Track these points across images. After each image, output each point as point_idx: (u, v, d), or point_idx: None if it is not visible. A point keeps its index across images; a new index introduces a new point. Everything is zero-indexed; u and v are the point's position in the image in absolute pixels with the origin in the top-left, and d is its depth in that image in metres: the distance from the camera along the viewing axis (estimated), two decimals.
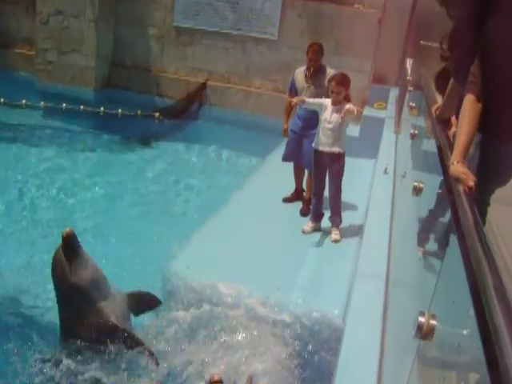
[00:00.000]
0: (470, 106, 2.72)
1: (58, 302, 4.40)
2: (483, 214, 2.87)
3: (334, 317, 4.77)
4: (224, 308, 4.94)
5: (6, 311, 5.09)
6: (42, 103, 11.39)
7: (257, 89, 11.98)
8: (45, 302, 5.10)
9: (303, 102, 6.19)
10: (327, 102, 6.15)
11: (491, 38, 2.74)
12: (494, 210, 3.20)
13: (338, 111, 6.03)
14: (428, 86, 5.28)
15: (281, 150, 7.26)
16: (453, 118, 3.53)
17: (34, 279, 5.45)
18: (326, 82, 6.62)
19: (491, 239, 3.61)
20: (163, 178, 8.72)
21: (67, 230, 4.17)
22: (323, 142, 6.14)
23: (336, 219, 6.37)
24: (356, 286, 4.59)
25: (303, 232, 6.44)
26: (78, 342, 4.29)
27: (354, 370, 3.53)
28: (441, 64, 4.43)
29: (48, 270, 5.30)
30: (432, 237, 3.19)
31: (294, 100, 6.24)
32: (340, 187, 6.32)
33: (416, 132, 5.51)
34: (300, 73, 6.90)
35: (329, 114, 6.08)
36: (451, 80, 3.35)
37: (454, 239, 1.99)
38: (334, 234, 6.32)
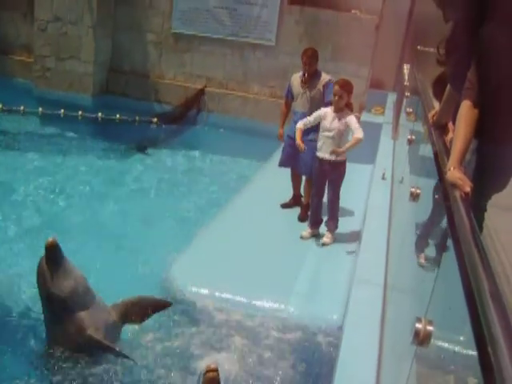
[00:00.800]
0: (466, 111, 2.73)
1: (43, 309, 4.42)
2: (480, 220, 2.88)
3: (333, 322, 4.77)
4: (222, 313, 4.93)
5: None
6: (40, 109, 11.37)
7: (255, 95, 12.00)
8: (31, 308, 5.07)
9: (305, 124, 6.27)
10: (326, 110, 6.15)
11: (487, 44, 2.75)
12: (491, 216, 3.21)
13: (339, 119, 6.03)
14: (425, 91, 5.30)
15: (279, 155, 7.27)
16: (450, 124, 3.54)
17: (24, 283, 5.43)
18: (321, 87, 6.66)
19: (489, 245, 3.62)
20: (161, 183, 8.72)
21: (50, 239, 4.17)
22: (324, 149, 6.14)
23: (331, 223, 6.38)
24: (354, 292, 4.60)
25: (301, 238, 6.45)
26: (62, 350, 4.28)
27: (352, 376, 3.53)
28: (438, 70, 4.44)
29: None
30: (429, 243, 3.20)
31: (300, 145, 6.27)
32: (338, 194, 6.34)
33: (413, 138, 5.52)
34: (296, 78, 6.92)
35: (329, 122, 6.08)
36: (448, 86, 3.36)
37: (450, 245, 1.99)
38: (326, 237, 6.34)
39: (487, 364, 1.22)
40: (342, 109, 6.05)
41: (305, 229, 6.54)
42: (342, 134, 6.07)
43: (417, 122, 5.66)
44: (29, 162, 8.93)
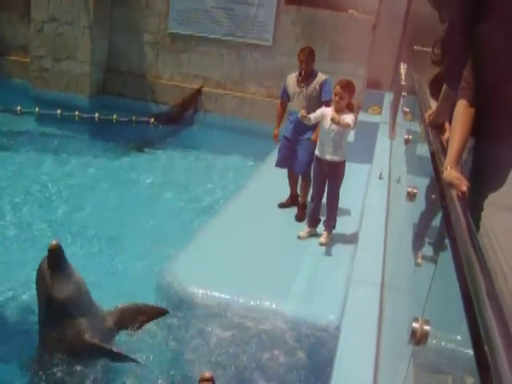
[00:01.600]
0: (462, 111, 2.73)
1: (39, 312, 4.38)
2: (477, 219, 2.88)
3: (330, 322, 4.77)
4: (219, 314, 4.93)
5: None
6: (37, 110, 11.37)
7: (252, 95, 12.00)
8: (26, 309, 5.05)
9: (309, 119, 6.12)
10: (328, 110, 6.14)
11: (483, 43, 2.75)
12: (488, 215, 3.21)
13: (336, 122, 6.02)
14: (422, 91, 5.29)
15: (276, 155, 7.26)
16: (446, 124, 3.54)
17: (21, 284, 5.41)
18: (318, 86, 6.65)
19: (486, 244, 3.62)
20: (158, 183, 8.71)
21: (54, 242, 4.14)
22: (324, 149, 6.13)
23: (329, 223, 6.38)
24: (351, 292, 4.59)
25: (299, 237, 6.45)
26: (54, 353, 4.25)
27: (350, 375, 3.53)
28: (435, 69, 4.44)
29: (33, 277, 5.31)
30: (426, 242, 3.20)
31: (303, 115, 6.09)
32: (337, 194, 6.34)
33: (410, 137, 5.52)
34: (292, 78, 6.89)
35: (329, 123, 6.07)
36: (444, 85, 3.36)
37: (447, 244, 1.99)
38: (323, 237, 6.34)
39: (484, 363, 1.22)
40: (343, 109, 6.04)
41: (302, 228, 6.54)
42: (342, 135, 6.06)
43: (414, 122, 5.66)
44: (25, 162, 8.92)
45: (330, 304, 5.01)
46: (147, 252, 6.31)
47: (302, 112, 6.10)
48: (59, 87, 12.34)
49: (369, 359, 3.59)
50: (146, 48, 12.50)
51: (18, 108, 11.25)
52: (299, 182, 7.16)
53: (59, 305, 4.14)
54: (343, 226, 6.64)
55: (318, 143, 6.25)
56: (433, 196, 3.05)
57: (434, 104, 4.01)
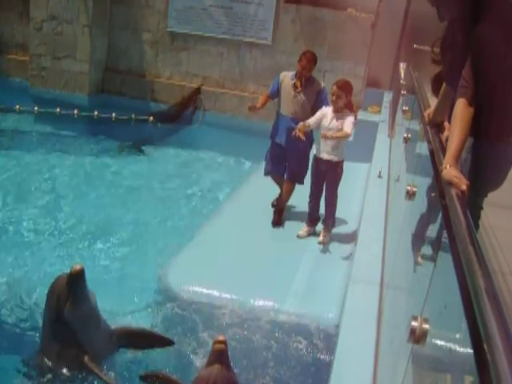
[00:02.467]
0: (461, 109, 2.73)
1: (44, 324, 4.30)
2: (476, 218, 2.88)
3: (329, 321, 4.77)
4: (219, 314, 4.93)
5: None
6: (36, 108, 11.37)
7: (251, 94, 11.99)
8: (27, 316, 5.03)
9: (308, 126, 6.03)
10: (326, 110, 6.13)
11: (482, 43, 2.76)
12: (488, 214, 3.21)
13: (337, 119, 6.02)
14: (421, 89, 5.30)
15: None
16: (445, 122, 3.54)
17: (20, 286, 5.39)
18: (315, 94, 6.46)
19: (486, 242, 3.63)
20: (157, 182, 8.70)
21: (78, 266, 4.01)
22: (321, 149, 6.13)
23: (328, 222, 6.39)
24: (350, 291, 4.59)
25: (298, 236, 6.45)
26: (52, 366, 4.20)
27: (349, 374, 3.53)
28: (434, 68, 4.44)
29: (35, 281, 5.27)
30: (425, 241, 3.20)
31: (300, 134, 5.90)
32: (335, 194, 6.33)
33: (409, 136, 5.52)
34: (287, 79, 6.58)
35: (327, 122, 6.07)
36: (443, 84, 3.37)
37: (446, 243, 1.99)
38: (322, 236, 6.34)
39: (483, 361, 1.22)
40: (341, 109, 6.03)
41: (301, 227, 6.54)
42: None
43: (413, 121, 5.66)
44: (24, 160, 8.91)
45: (329, 303, 5.02)
46: (146, 251, 6.30)
47: (300, 127, 5.94)
48: (58, 86, 12.33)
49: (368, 358, 3.60)
50: (145, 47, 12.49)
51: (17, 107, 11.24)
52: (282, 187, 6.93)
53: (69, 326, 4.07)
54: (342, 224, 6.64)
55: (316, 142, 6.25)
56: (432, 195, 3.05)
57: (435, 100, 4.00)
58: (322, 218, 6.53)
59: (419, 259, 3.02)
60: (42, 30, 12.12)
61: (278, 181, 7.01)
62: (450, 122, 3.00)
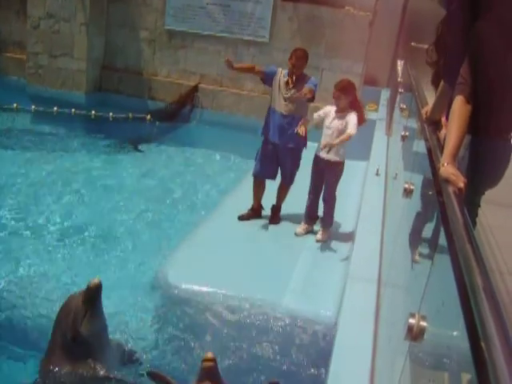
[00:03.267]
0: (459, 107, 2.73)
1: (53, 349, 4.09)
2: (473, 216, 2.88)
3: (327, 318, 4.77)
4: (216, 310, 4.93)
5: None
6: (33, 107, 11.36)
7: (248, 91, 11.99)
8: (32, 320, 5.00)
9: (308, 122, 6.07)
10: (330, 109, 6.13)
11: (480, 40, 2.76)
12: (485, 212, 3.21)
13: (339, 119, 6.02)
14: (418, 87, 5.30)
15: None
16: (443, 120, 3.54)
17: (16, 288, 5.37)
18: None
19: (483, 241, 3.63)
20: (154, 181, 8.69)
21: (96, 280, 3.87)
22: (322, 147, 6.13)
23: (326, 221, 6.39)
24: (348, 288, 4.60)
25: (296, 234, 6.45)
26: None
27: (347, 371, 3.53)
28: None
29: (27, 283, 5.20)
30: (423, 238, 3.20)
31: (301, 130, 5.95)
32: (334, 193, 6.33)
33: (407, 134, 5.53)
34: (281, 74, 6.47)
35: (329, 121, 6.08)
36: (441, 81, 3.36)
37: (443, 240, 1.99)
38: (319, 234, 6.35)
39: (480, 359, 1.22)
40: (344, 109, 6.02)
41: (299, 225, 6.54)
42: (341, 133, 6.03)
43: (410, 118, 5.66)
44: (21, 159, 8.90)
45: (327, 300, 5.02)
46: (143, 249, 6.29)
47: (301, 129, 5.97)
48: (55, 84, 12.32)
49: (366, 355, 3.60)
50: (142, 45, 12.48)
51: (14, 105, 11.23)
52: (278, 187, 6.85)
53: (83, 342, 3.95)
54: (340, 222, 6.65)
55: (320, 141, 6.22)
56: (429, 192, 3.05)
57: (432, 94, 3.99)
58: (320, 216, 6.53)
59: (417, 257, 3.03)
60: (40, 28, 12.12)
61: (259, 186, 6.84)
62: (447, 119, 3.00)
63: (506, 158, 2.98)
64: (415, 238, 3.35)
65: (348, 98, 6.03)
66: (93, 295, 3.89)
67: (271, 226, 6.71)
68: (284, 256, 5.98)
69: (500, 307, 1.41)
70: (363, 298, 4.39)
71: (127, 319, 4.84)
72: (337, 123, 6.03)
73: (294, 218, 6.79)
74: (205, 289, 5.17)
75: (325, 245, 6.24)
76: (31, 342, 4.61)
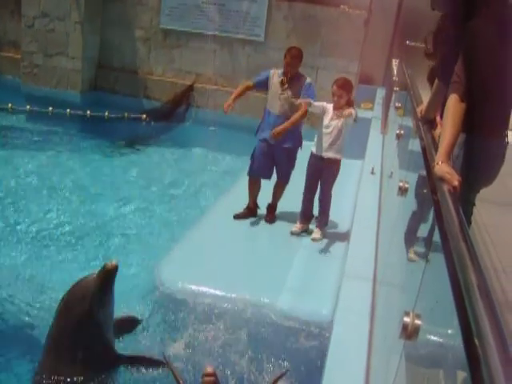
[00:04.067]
0: (453, 105, 2.74)
1: (62, 334, 4.05)
2: (468, 214, 2.89)
3: (322, 317, 4.78)
4: (212, 309, 4.93)
5: None
6: (28, 107, 11.33)
7: None
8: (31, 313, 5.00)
9: (309, 104, 6.06)
10: (329, 106, 6.13)
11: (475, 39, 2.76)
12: (480, 210, 3.22)
13: (337, 116, 6.03)
14: (413, 86, 5.31)
15: None
16: (438, 119, 3.55)
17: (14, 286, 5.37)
18: (300, 91, 6.32)
19: (478, 239, 3.64)
20: (150, 180, 8.68)
21: (114, 262, 3.89)
22: (319, 145, 6.13)
23: (321, 219, 6.39)
24: (344, 287, 4.60)
25: (291, 233, 6.45)
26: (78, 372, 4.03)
27: (342, 370, 3.54)
28: (428, 65, 4.45)
29: (27, 279, 5.16)
30: (418, 237, 3.20)
31: (302, 101, 6.06)
32: (330, 192, 6.32)
33: (402, 132, 5.54)
34: (275, 75, 6.48)
35: (328, 120, 6.08)
36: (436, 80, 3.37)
37: (438, 239, 2.00)
38: (315, 233, 6.34)
39: (474, 356, 1.22)
40: (342, 107, 6.03)
41: (294, 224, 6.54)
42: (340, 132, 6.04)
43: (405, 117, 5.67)
44: (16, 159, 8.87)
45: (322, 299, 5.02)
46: (139, 249, 6.29)
47: (302, 103, 6.07)
48: (50, 83, 12.29)
49: (361, 353, 3.60)
50: (138, 44, 12.46)
51: (9, 105, 11.20)
52: (274, 186, 6.85)
53: (97, 325, 3.99)
54: (335, 221, 6.65)
55: (315, 140, 6.22)
56: (424, 191, 3.06)
57: (427, 92, 4.00)
58: (315, 215, 6.53)
59: (412, 255, 3.03)
60: (34, 27, 12.08)
61: (254, 185, 6.83)
62: (442, 118, 3.01)
63: (501, 156, 2.99)
64: (410, 237, 3.36)
65: (348, 95, 6.05)
66: (110, 276, 3.90)
67: (267, 225, 6.71)
68: (279, 255, 5.99)
69: (494, 305, 1.41)
70: (359, 297, 4.40)
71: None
72: (336, 121, 6.03)
73: (289, 217, 6.79)
74: (201, 288, 5.17)
75: (320, 244, 6.24)
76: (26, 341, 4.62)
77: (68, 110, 11.17)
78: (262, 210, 6.89)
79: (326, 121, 6.10)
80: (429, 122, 3.53)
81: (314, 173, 6.32)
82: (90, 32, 12.18)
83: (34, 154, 9.16)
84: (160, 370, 4.21)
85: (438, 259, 1.90)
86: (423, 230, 3.06)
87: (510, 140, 2.97)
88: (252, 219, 6.79)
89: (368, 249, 5.25)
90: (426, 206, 3.03)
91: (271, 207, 6.86)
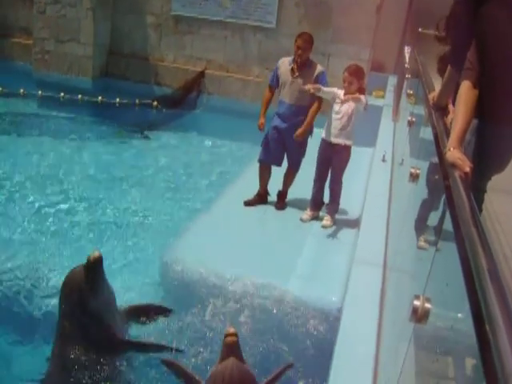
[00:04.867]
0: (466, 92, 2.73)
1: (65, 325, 4.09)
2: (479, 201, 2.89)
3: (332, 303, 4.79)
4: (223, 296, 4.96)
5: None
6: (40, 92, 11.38)
7: (255, 77, 11.96)
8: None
9: (319, 89, 6.01)
10: (340, 93, 6.11)
11: (487, 25, 2.74)
12: (491, 199, 3.21)
13: (346, 101, 6.02)
14: (425, 73, 5.28)
15: None
16: (450, 105, 3.53)
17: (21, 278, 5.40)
18: (313, 79, 6.26)
19: (489, 227, 3.63)
20: (161, 166, 8.72)
21: (96, 253, 3.89)
22: (329, 132, 6.13)
23: (331, 207, 6.39)
24: (353, 273, 4.61)
25: (302, 220, 6.46)
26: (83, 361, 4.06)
27: (351, 355, 3.56)
28: (440, 51, 4.42)
29: (31, 269, 5.29)
30: (428, 223, 3.21)
31: (310, 87, 5.97)
32: (340, 179, 6.31)
33: (414, 119, 5.52)
34: (285, 64, 6.45)
35: (338, 106, 6.07)
36: (448, 66, 3.35)
37: (449, 224, 2.00)
38: (325, 220, 6.34)
39: (485, 342, 1.23)
40: (353, 93, 6.02)
41: (305, 211, 6.54)
42: (350, 118, 6.04)
43: (417, 105, 5.64)
44: (27, 144, 8.93)
45: (332, 285, 5.03)
46: (150, 235, 6.33)
47: (311, 87, 5.98)
48: (62, 70, 12.31)
49: (370, 339, 3.62)
50: (149, 30, 12.44)
51: (21, 91, 11.25)
52: (285, 174, 6.84)
53: (94, 315, 4.02)
54: (346, 208, 6.64)
55: (325, 125, 6.21)
56: (436, 177, 3.06)
57: (440, 81, 3.98)
58: (325, 202, 6.53)
59: (422, 241, 3.04)
60: (46, 14, 12.09)
61: (265, 172, 6.83)
62: (454, 104, 2.99)
63: None
64: (421, 223, 3.36)
65: (359, 82, 6.04)
66: (94, 268, 3.93)
67: (277, 212, 6.72)
68: (290, 241, 6.00)
69: (505, 290, 1.41)
70: (369, 283, 4.41)
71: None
72: (346, 107, 6.02)
73: (299, 204, 6.79)
74: (211, 273, 5.19)
75: (330, 230, 6.24)
76: (36, 330, 4.67)
77: (80, 96, 11.20)
78: (273, 197, 6.90)
79: (336, 107, 6.10)
80: (441, 109, 3.51)
81: (324, 160, 6.31)
82: (102, 18, 12.17)
83: (44, 140, 9.20)
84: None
85: (448, 245, 1.91)
86: (433, 218, 3.06)
87: None
88: (262, 206, 6.80)
89: (378, 236, 5.26)
90: (436, 193, 3.02)
91: (282, 194, 6.86)
